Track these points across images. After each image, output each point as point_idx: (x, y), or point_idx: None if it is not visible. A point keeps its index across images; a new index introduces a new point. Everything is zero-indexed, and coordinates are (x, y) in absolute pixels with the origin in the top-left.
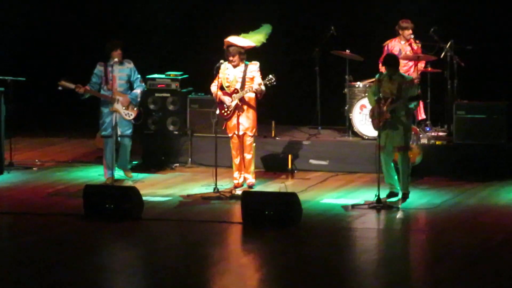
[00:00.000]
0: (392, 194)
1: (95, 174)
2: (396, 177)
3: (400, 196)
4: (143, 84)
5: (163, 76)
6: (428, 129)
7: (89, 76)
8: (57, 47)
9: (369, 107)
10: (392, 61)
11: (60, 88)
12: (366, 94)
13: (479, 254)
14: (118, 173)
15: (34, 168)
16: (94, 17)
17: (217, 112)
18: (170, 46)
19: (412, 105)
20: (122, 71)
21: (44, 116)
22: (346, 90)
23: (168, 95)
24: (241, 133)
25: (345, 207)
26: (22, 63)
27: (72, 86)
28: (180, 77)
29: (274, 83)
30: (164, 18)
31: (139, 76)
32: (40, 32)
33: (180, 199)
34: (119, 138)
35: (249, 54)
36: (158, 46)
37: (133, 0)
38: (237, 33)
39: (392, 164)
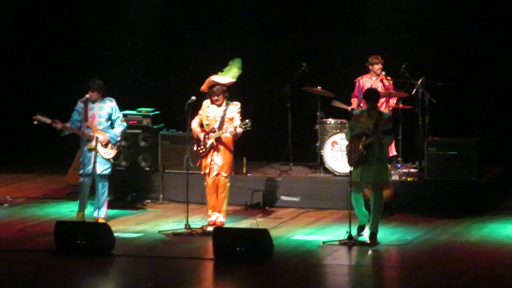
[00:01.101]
0: (361, 228)
1: (67, 210)
2: (366, 212)
3: (368, 235)
4: (125, 123)
5: (134, 112)
6: (399, 165)
7: (60, 111)
8: (28, 82)
9: (340, 143)
10: (372, 94)
11: (35, 122)
12: (338, 131)
13: None
14: (89, 209)
15: (5, 204)
16: (67, 52)
17: (194, 148)
18: (141, 82)
19: (386, 138)
20: (102, 109)
21: (15, 151)
22: (317, 126)
23: (140, 131)
24: (214, 172)
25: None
26: None
27: (48, 121)
28: (151, 113)
29: (249, 128)
30: (136, 54)
31: (120, 115)
32: (10, 67)
33: (152, 236)
34: (96, 176)
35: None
36: (129, 82)
37: (105, 36)
38: (213, 72)
39: (362, 201)
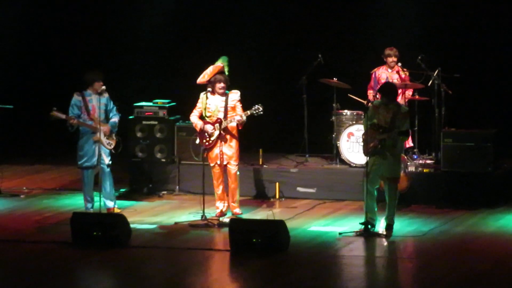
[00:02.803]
0: (368, 223)
1: (83, 201)
2: (376, 208)
3: (384, 227)
4: (119, 113)
5: (150, 104)
6: (415, 156)
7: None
8: (44, 74)
9: (356, 134)
10: (388, 89)
11: (51, 119)
12: (354, 122)
13: (466, 282)
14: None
15: (21, 196)
16: (81, 45)
17: (197, 141)
18: (157, 73)
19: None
20: (101, 101)
21: (32, 143)
22: (333, 118)
23: (156, 122)
24: (224, 162)
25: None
26: (8, 90)
27: (63, 116)
28: (167, 105)
29: (261, 112)
30: (151, 45)
31: (115, 105)
32: (26, 60)
33: (168, 227)
34: (103, 168)
35: (233, 82)
36: (145, 73)
37: (120, 28)
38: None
39: (375, 193)
